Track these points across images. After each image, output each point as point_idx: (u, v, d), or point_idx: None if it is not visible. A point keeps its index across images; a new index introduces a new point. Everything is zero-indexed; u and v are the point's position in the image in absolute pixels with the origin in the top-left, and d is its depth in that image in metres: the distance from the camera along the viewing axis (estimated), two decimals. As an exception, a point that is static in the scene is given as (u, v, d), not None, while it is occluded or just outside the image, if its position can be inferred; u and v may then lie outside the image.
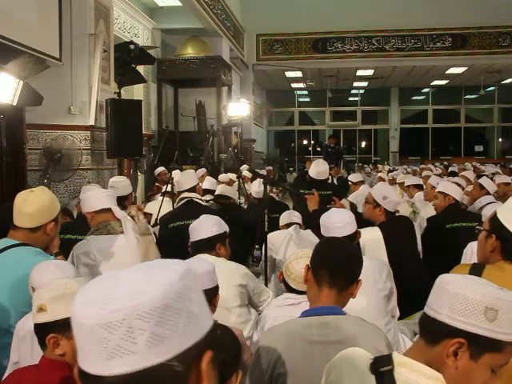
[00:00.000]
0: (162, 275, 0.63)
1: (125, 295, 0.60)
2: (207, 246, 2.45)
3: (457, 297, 0.98)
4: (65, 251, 2.59)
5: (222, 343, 1.29)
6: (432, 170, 7.98)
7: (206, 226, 2.48)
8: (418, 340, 1.08)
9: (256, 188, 4.96)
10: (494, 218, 1.62)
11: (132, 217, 2.74)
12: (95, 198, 2.76)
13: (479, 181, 4.91)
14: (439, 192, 3.92)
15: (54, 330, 1.46)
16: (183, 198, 3.72)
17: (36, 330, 1.51)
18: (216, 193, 4.80)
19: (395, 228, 3.08)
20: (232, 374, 1.26)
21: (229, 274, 2.38)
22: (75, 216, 3.77)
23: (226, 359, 1.26)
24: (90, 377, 0.61)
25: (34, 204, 2.15)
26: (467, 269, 1.70)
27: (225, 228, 2.55)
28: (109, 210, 2.72)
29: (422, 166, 9.13)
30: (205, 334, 0.64)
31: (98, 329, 0.59)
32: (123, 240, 2.61)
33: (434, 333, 1.02)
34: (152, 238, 2.85)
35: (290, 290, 2.19)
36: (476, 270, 1.69)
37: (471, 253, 2.53)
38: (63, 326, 1.42)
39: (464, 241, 2.78)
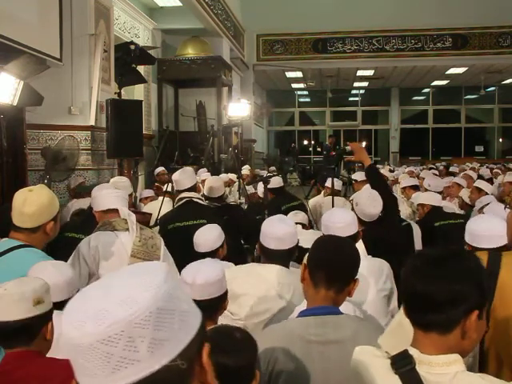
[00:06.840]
0: (148, 279, 0.63)
1: (117, 306, 0.59)
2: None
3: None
4: (68, 250, 2.57)
5: (238, 347, 1.21)
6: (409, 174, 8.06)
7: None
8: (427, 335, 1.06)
9: (262, 188, 4.97)
10: None
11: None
12: (103, 197, 2.75)
13: (475, 184, 5.16)
14: (418, 204, 4.21)
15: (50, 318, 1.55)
16: (182, 198, 3.55)
17: (35, 323, 1.51)
18: (204, 193, 4.14)
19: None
20: (252, 379, 1.21)
21: None
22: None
23: (245, 366, 1.20)
24: None
25: (33, 204, 2.09)
26: (485, 257, 1.69)
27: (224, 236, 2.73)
28: (116, 210, 2.70)
29: (407, 169, 9.22)
30: (198, 328, 0.65)
31: (98, 345, 0.58)
32: (127, 237, 2.61)
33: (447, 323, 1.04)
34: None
35: None
36: (494, 258, 1.71)
37: None
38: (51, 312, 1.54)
39: (451, 236, 2.85)
